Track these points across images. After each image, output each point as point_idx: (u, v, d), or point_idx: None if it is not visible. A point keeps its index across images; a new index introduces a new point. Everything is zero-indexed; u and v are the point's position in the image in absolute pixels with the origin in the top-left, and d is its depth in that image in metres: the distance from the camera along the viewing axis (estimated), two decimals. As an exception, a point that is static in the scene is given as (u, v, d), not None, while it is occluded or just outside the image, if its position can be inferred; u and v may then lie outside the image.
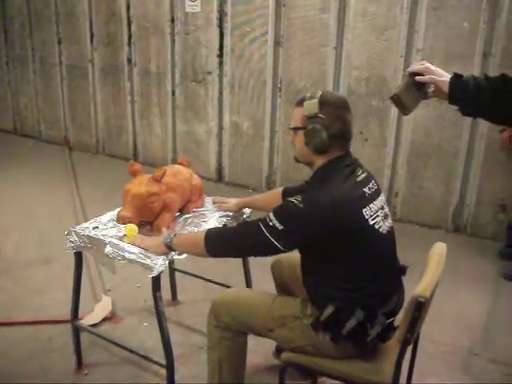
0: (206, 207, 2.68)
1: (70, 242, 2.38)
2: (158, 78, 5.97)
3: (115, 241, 2.22)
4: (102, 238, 2.27)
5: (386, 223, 1.96)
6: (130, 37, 6.10)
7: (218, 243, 2.02)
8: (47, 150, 7.12)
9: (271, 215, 1.86)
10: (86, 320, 2.96)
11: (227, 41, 5.36)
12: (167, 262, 2.13)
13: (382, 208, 1.96)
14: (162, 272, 2.12)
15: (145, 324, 3.06)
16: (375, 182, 2.01)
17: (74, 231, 2.36)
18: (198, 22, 5.51)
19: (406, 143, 4.67)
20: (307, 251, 1.98)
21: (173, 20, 5.70)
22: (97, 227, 2.39)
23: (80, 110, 6.93)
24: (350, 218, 1.82)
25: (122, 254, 2.16)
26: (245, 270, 2.91)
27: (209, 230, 2.08)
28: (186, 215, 2.55)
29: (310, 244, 1.89)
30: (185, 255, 2.17)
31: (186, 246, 2.12)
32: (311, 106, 1.91)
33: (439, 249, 2.01)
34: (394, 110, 4.59)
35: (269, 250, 1.90)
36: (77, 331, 2.62)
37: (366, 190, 1.91)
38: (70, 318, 2.59)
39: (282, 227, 1.83)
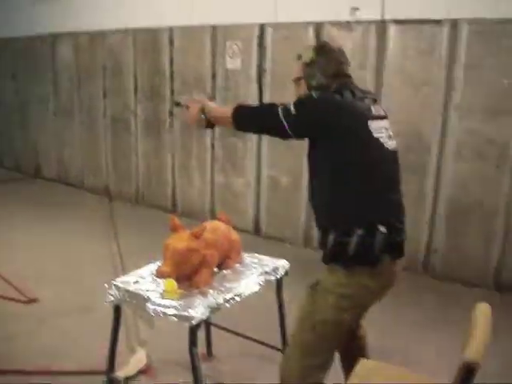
0: (244, 264, 2.70)
1: (110, 295, 2.41)
2: (198, 131, 6.12)
3: (155, 297, 2.25)
4: (142, 293, 2.30)
5: (390, 142, 2.13)
6: (172, 91, 6.31)
7: (243, 116, 2.20)
8: (89, 199, 7.31)
9: (291, 102, 2.06)
10: (122, 372, 2.96)
11: (266, 96, 5.49)
12: (208, 311, 2.15)
13: (387, 129, 2.14)
14: (201, 322, 2.13)
15: (181, 380, 3.05)
16: (383, 110, 2.20)
17: (115, 285, 2.41)
18: (238, 79, 5.68)
19: (444, 198, 4.63)
20: (315, 153, 2.13)
21: (214, 76, 5.89)
22: (137, 281, 2.43)
23: (121, 161, 7.13)
24: (357, 121, 2.03)
25: (162, 310, 2.19)
26: (281, 326, 2.89)
27: (239, 103, 2.28)
28: (225, 271, 2.58)
29: (317, 137, 2.06)
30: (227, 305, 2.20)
31: (216, 111, 2.33)
32: (308, 54, 2.19)
33: (484, 310, 1.95)
34: (432, 166, 4.58)
35: (281, 133, 2.09)
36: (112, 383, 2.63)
37: (372, 108, 2.11)
38: (106, 370, 2.60)
39: (295, 112, 2.02)
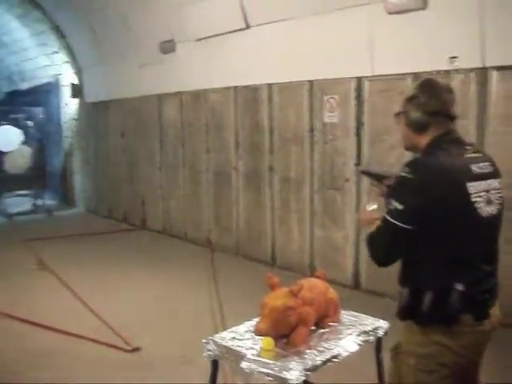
0: (342, 322, 2.64)
1: (208, 350, 2.44)
2: (297, 185, 6.18)
3: (251, 355, 2.25)
4: (239, 349, 2.31)
5: (488, 208, 1.96)
6: (271, 146, 6.45)
7: (369, 248, 2.12)
8: (191, 250, 7.54)
9: (390, 199, 1.95)
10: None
11: (364, 149, 5.47)
12: (304, 374, 2.11)
13: (487, 191, 1.96)
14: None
15: None
16: (491, 166, 2.03)
17: (213, 340, 2.44)
18: (336, 132, 5.71)
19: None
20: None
21: (312, 130, 5.96)
22: (234, 338, 2.45)
23: (223, 214, 7.32)
24: (455, 190, 1.90)
25: (257, 369, 2.18)
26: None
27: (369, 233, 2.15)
28: (322, 330, 2.53)
29: (425, 218, 1.91)
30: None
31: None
32: (411, 90, 2.13)
33: None
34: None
35: (400, 236, 1.96)
36: None
37: (473, 167, 1.97)
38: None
39: (402, 206, 1.90)
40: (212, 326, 4.48)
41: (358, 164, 5.50)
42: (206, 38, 7.06)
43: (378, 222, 2.09)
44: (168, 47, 7.73)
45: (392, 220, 1.94)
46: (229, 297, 5.37)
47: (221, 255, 7.16)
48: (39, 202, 10.98)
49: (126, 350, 4.25)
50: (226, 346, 2.37)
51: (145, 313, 5.13)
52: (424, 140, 2.07)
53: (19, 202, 11.24)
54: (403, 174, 1.95)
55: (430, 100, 2.03)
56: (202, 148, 7.54)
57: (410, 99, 2.09)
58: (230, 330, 2.58)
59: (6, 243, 8.06)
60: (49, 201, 11.34)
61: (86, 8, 9.00)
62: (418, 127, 2.06)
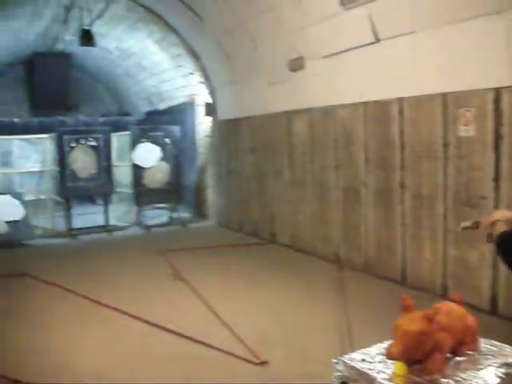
0: (480, 351, 2.49)
1: (337, 370, 2.42)
2: (430, 201, 5.95)
3: (382, 379, 2.20)
4: (369, 372, 2.27)
5: None
6: (402, 161, 6.28)
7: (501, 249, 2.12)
8: (319, 266, 7.53)
9: None
10: None
11: (503, 165, 5.14)
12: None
13: None
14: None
15: None
16: None
17: (342, 361, 2.41)
18: (472, 146, 5.43)
19: None
20: None
21: (445, 144, 5.72)
22: (364, 360, 2.41)
23: (351, 230, 7.24)
24: None
25: (389, 394, 2.13)
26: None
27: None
28: (458, 358, 2.40)
29: None
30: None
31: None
32: None
33: None
34: None
35: None
36: None
37: None
38: None
39: None
40: (339, 345, 4.44)
41: (495, 180, 5.18)
42: (334, 53, 7.08)
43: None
44: (297, 65, 7.86)
45: None
46: (357, 315, 5.28)
47: (349, 272, 7.07)
48: (175, 214, 11.61)
49: (254, 363, 4.34)
50: (355, 368, 2.34)
51: (272, 327, 5.21)
52: None
53: (156, 215, 11.97)
54: None
55: None
56: (330, 164, 7.54)
57: None
58: (360, 351, 2.54)
59: (144, 254, 8.64)
60: (183, 214, 11.94)
61: (218, 31, 9.45)
62: None
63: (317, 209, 7.95)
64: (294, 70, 7.96)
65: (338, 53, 6.99)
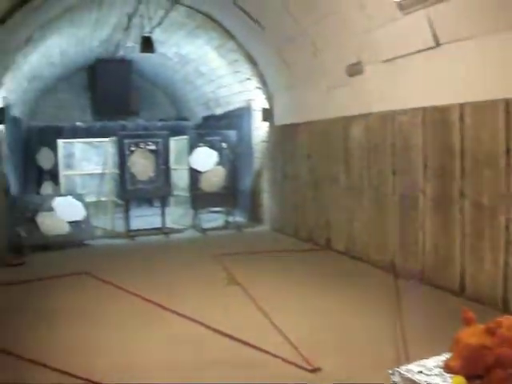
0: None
1: (393, 381, 2.39)
2: (491, 210, 5.76)
3: (440, 392, 2.16)
4: (426, 385, 2.23)
5: None
6: (462, 169, 6.12)
7: None
8: (373, 273, 7.43)
9: None
10: None
11: None
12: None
13: None
14: None
15: None
16: None
17: (398, 372, 2.38)
18: (539, 154, 5.24)
19: None
20: None
21: (508, 151, 5.53)
22: (421, 372, 2.36)
23: (408, 238, 7.10)
24: None
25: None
26: None
27: None
28: (521, 374, 2.33)
29: None
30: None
31: None
32: None
33: None
34: None
35: None
36: None
37: None
38: None
39: None
40: (394, 356, 4.36)
41: None
42: (393, 58, 6.99)
43: None
44: (355, 70, 7.80)
45: None
46: (412, 326, 5.17)
47: (404, 281, 6.93)
48: (230, 218, 11.72)
49: (306, 370, 4.33)
50: (412, 380, 2.30)
51: (325, 334, 5.17)
52: None
53: (212, 218, 12.12)
54: None
55: None
56: (387, 170, 7.42)
57: None
58: (416, 362, 2.49)
59: (199, 257, 8.76)
60: (239, 218, 12.04)
61: (279, 39, 9.49)
62: None
63: (373, 215, 7.85)
64: (351, 74, 7.90)
65: (397, 57, 6.90)
